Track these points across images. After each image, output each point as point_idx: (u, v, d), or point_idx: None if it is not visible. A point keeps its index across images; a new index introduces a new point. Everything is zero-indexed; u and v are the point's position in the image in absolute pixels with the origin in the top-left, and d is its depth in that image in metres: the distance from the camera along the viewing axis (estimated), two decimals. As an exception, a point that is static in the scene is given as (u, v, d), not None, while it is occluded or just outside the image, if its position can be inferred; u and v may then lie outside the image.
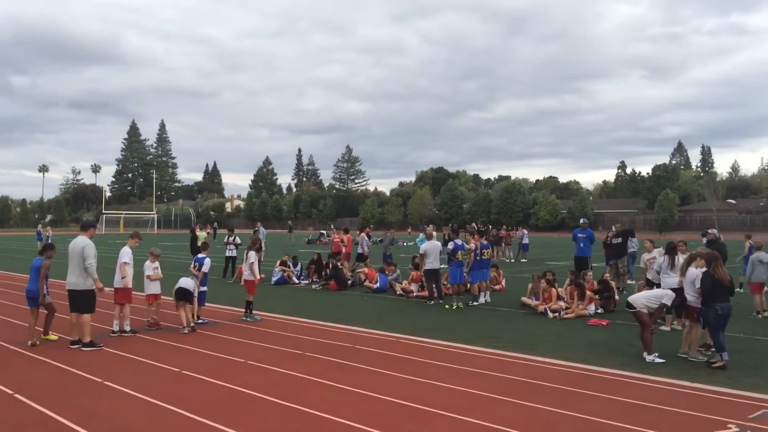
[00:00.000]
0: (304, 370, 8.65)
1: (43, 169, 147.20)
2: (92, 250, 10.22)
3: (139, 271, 12.02)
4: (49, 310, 10.77)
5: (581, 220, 19.43)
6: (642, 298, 9.63)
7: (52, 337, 10.74)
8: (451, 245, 15.34)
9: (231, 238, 21.67)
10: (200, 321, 12.29)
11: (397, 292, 17.21)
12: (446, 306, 14.90)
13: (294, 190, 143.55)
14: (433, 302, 15.41)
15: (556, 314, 13.31)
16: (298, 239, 37.40)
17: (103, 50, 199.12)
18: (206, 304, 13.19)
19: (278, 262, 21.17)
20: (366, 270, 19.77)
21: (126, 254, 11.29)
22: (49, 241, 39.31)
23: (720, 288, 9.03)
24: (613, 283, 15.06)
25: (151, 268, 12.05)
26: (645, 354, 9.34)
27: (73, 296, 10.20)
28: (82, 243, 10.20)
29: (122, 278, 11.24)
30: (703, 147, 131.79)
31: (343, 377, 8.29)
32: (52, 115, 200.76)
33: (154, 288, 12.01)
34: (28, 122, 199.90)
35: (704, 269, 9.36)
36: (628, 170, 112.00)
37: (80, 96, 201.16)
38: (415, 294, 16.64)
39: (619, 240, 18.23)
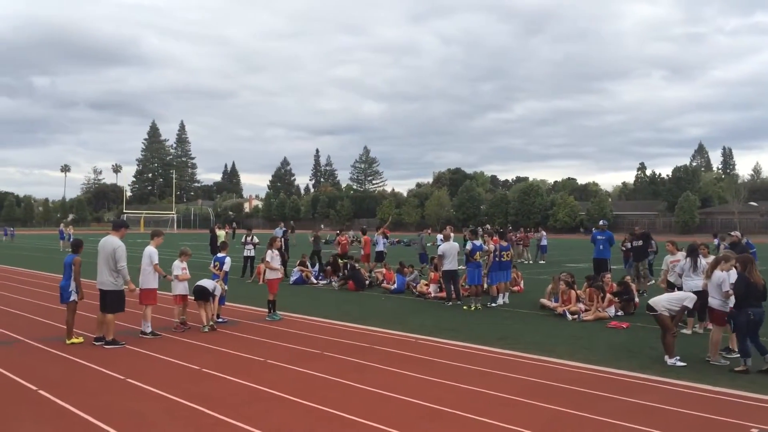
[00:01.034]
0: (322, 370, 8.69)
1: (65, 168, 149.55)
2: (124, 252, 10.40)
3: (166, 270, 11.91)
4: (69, 311, 10.63)
5: (600, 222, 19.29)
6: (663, 301, 9.55)
7: (76, 340, 10.53)
8: (469, 246, 15.32)
9: (249, 238, 21.83)
10: (220, 320, 12.39)
11: (416, 293, 17.22)
12: (464, 307, 14.88)
13: (312, 190, 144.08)
14: (451, 303, 15.40)
15: (576, 316, 13.24)
16: (300, 240, 37.59)
17: (123, 51, 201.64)
18: (226, 303, 13.28)
19: (297, 263, 21.28)
20: (384, 270, 19.80)
21: (155, 255, 11.26)
22: (71, 239, 39.91)
23: (754, 292, 8.91)
24: (633, 286, 14.94)
25: (179, 268, 11.99)
26: (666, 357, 9.26)
27: (103, 296, 10.38)
28: (113, 244, 10.37)
29: (164, 277, 11.35)
30: (724, 148, 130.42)
31: (362, 377, 8.32)
32: (74, 116, 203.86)
33: (183, 288, 11.96)
34: (50, 123, 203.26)
35: (730, 272, 9.27)
36: (648, 172, 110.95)
37: (101, 96, 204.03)
38: (433, 295, 16.64)
39: (640, 242, 18.08)
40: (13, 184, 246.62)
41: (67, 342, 10.45)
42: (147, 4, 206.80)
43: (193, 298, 11.95)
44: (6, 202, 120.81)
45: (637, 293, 15.04)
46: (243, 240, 22.12)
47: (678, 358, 9.21)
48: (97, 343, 10.29)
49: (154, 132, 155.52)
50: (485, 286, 15.54)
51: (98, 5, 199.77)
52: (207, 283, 12.02)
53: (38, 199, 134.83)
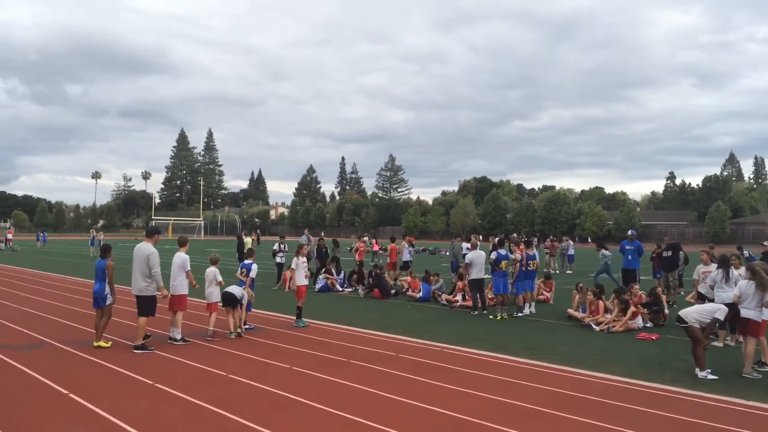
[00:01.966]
0: (348, 378, 8.69)
1: (96, 175, 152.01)
2: (157, 258, 10.67)
3: (199, 277, 12.02)
4: (106, 314, 10.87)
5: (629, 232, 19.05)
6: (694, 313, 9.39)
7: (104, 344, 10.72)
8: (494, 255, 15.21)
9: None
10: (247, 327, 12.45)
11: (441, 302, 17.15)
12: (490, 316, 14.79)
13: (337, 198, 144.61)
14: (476, 312, 15.31)
15: (604, 327, 13.06)
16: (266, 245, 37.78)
17: (152, 60, 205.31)
18: (253, 309, 13.35)
19: (322, 270, 21.35)
20: (409, 279, 19.77)
21: (188, 261, 11.37)
22: (95, 243, 40.44)
23: None
24: (664, 297, 14.71)
25: (218, 274, 12.01)
26: (697, 370, 9.09)
27: (138, 300, 10.65)
28: (147, 250, 10.65)
29: (194, 286, 11.44)
30: (756, 158, 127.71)
31: (387, 386, 8.30)
32: (105, 124, 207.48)
33: (218, 295, 11.96)
34: (82, 130, 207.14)
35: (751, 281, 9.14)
36: (678, 181, 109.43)
37: (131, 104, 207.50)
38: (459, 304, 16.56)
39: (669, 253, 17.81)
40: (46, 191, 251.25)
41: (95, 344, 10.64)
42: (176, 14, 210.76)
43: (221, 304, 12.01)
44: (38, 208, 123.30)
45: (667, 304, 14.81)
46: (276, 248, 22.30)
47: (709, 371, 9.03)
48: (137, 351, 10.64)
49: (182, 139, 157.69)
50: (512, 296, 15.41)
51: (129, 15, 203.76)
52: (235, 289, 12.10)
53: (69, 205, 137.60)
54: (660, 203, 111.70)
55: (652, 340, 12.06)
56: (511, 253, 15.85)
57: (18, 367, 9.14)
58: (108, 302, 10.75)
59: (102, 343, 10.67)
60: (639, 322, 13.26)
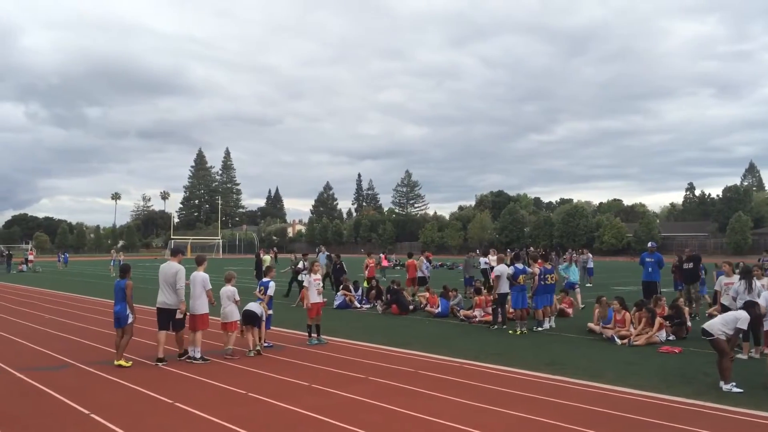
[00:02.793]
0: (367, 394, 8.67)
1: (116, 196, 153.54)
2: (183, 274, 11.18)
3: (216, 296, 12.09)
4: (127, 333, 11.01)
5: (649, 244, 18.85)
6: (718, 324, 9.26)
7: (125, 363, 10.81)
8: (512, 269, 15.12)
9: (304, 263, 22.19)
10: (266, 345, 12.47)
11: (460, 317, 17.07)
12: (510, 331, 14.69)
13: (354, 214, 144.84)
14: (496, 327, 15.21)
15: (625, 341, 12.91)
16: (348, 263, 37.79)
17: (170, 81, 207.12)
18: (271, 327, 13.37)
19: (340, 287, 21.35)
20: (427, 294, 19.71)
21: (208, 280, 11.47)
22: (116, 263, 40.91)
23: None
24: (686, 310, 14.53)
25: (234, 292, 12.01)
26: (722, 383, 8.95)
27: (167, 314, 11.07)
28: (174, 267, 11.17)
29: (212, 303, 11.53)
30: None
31: (407, 402, 8.26)
32: (124, 145, 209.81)
33: (237, 314, 11.91)
34: (102, 152, 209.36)
35: None
36: (697, 192, 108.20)
37: (150, 126, 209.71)
38: (477, 319, 16.47)
39: (691, 265, 17.60)
40: (66, 212, 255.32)
41: (115, 363, 10.75)
42: (192, 36, 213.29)
43: (241, 323, 12.00)
44: (59, 230, 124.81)
45: (690, 317, 14.61)
46: (300, 266, 22.43)
47: (734, 383, 8.89)
48: (180, 358, 11.26)
49: (200, 159, 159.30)
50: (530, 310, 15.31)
51: (146, 38, 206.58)
52: (254, 307, 12.13)
53: (90, 226, 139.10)
54: (680, 214, 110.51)
55: (675, 353, 11.90)
56: (529, 267, 15.76)
57: (41, 389, 9.23)
58: (129, 321, 10.89)
59: (122, 362, 10.77)
60: (662, 335, 13.10)
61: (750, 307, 9.45)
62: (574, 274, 20.38)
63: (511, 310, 15.62)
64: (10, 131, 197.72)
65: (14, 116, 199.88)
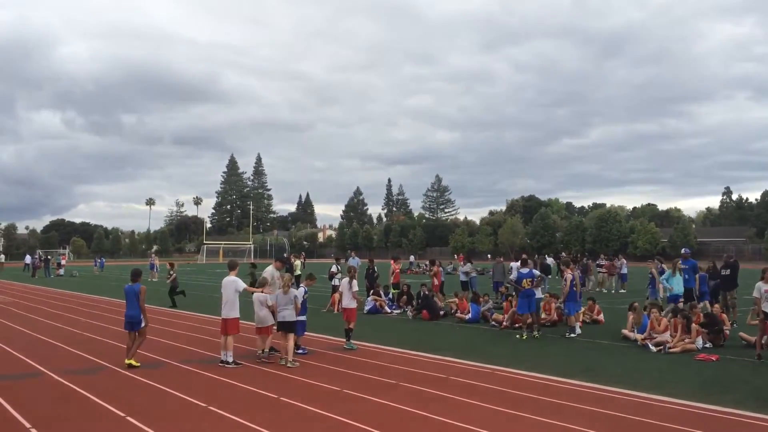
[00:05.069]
0: (400, 401, 8.65)
1: (150, 202, 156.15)
2: (242, 284, 11.69)
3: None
4: (141, 336, 11.38)
5: (682, 251, 18.50)
6: None
7: (135, 362, 11.13)
8: (515, 274, 14.97)
9: (338, 267, 22.34)
10: (301, 351, 12.42)
11: (491, 323, 16.96)
12: (516, 336, 14.87)
13: (384, 219, 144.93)
14: (525, 334, 15.05)
15: (661, 348, 12.68)
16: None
17: (203, 88, 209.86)
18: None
19: (371, 292, 21.38)
20: (457, 300, 19.61)
21: (240, 283, 11.62)
22: (156, 270, 41.72)
23: None
24: (724, 317, 14.22)
25: (266, 298, 11.98)
26: None
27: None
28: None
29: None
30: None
31: (439, 408, 8.22)
32: (158, 151, 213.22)
33: (272, 318, 11.90)
34: (137, 158, 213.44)
35: None
36: (735, 196, 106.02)
37: (183, 132, 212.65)
38: (504, 325, 16.34)
39: (728, 271, 17.23)
40: (102, 218, 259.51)
41: (126, 362, 11.10)
42: (226, 43, 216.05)
43: (276, 329, 12.01)
44: (96, 235, 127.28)
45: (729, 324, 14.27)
46: (334, 269, 22.61)
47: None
48: (265, 359, 11.77)
49: (232, 165, 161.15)
50: (555, 315, 15.19)
51: (181, 46, 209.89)
52: (289, 315, 11.89)
53: (125, 231, 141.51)
54: (716, 219, 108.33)
55: (712, 361, 11.64)
56: (562, 274, 15.62)
57: (79, 392, 9.41)
58: (142, 325, 11.29)
59: (132, 362, 11.12)
60: (698, 342, 12.83)
61: None
62: (678, 285, 16.29)
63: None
64: (48, 138, 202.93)
65: (52, 124, 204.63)
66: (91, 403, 8.69)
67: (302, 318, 12.55)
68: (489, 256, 29.33)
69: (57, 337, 15.20)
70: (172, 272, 24.37)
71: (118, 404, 8.52)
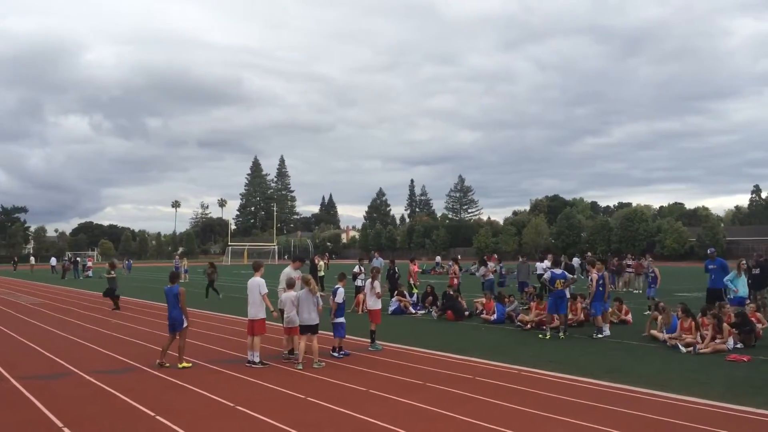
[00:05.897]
0: (425, 401, 8.65)
1: (176, 204, 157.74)
2: (265, 286, 11.65)
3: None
4: (182, 337, 11.50)
5: (709, 251, 18.22)
6: None
7: (187, 364, 11.37)
8: (548, 274, 14.88)
9: (361, 267, 22.41)
10: (343, 353, 12.28)
11: (516, 323, 16.87)
12: (539, 335, 14.80)
13: (407, 220, 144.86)
14: (550, 333, 14.95)
15: (691, 348, 12.51)
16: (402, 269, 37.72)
17: (226, 91, 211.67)
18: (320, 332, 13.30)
19: (395, 292, 21.39)
20: (483, 300, 19.55)
21: (264, 285, 11.62)
22: (180, 269, 42.24)
23: None
24: (758, 315, 13.98)
25: (295, 297, 11.87)
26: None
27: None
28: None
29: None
30: None
31: (465, 409, 8.21)
32: (183, 154, 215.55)
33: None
34: (162, 161, 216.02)
35: None
36: (764, 194, 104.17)
37: (207, 135, 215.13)
38: (530, 325, 16.25)
39: (758, 270, 16.95)
40: (129, 220, 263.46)
41: (179, 366, 11.21)
42: (247, 47, 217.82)
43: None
44: (123, 237, 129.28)
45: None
46: (357, 270, 22.73)
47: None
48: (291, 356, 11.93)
49: (256, 167, 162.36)
50: (581, 316, 15.07)
51: (203, 50, 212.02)
52: (312, 318, 11.73)
53: (151, 233, 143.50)
54: (745, 218, 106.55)
55: (743, 361, 11.46)
56: (586, 273, 15.49)
57: (109, 391, 9.56)
58: (184, 326, 11.42)
59: (185, 364, 11.29)
60: (730, 343, 12.63)
61: None
62: (744, 286, 15.73)
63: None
64: (75, 143, 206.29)
65: (79, 128, 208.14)
66: (121, 403, 8.83)
67: (340, 320, 12.42)
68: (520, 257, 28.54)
69: (86, 337, 15.46)
70: (210, 270, 28.25)
71: (148, 404, 8.64)
